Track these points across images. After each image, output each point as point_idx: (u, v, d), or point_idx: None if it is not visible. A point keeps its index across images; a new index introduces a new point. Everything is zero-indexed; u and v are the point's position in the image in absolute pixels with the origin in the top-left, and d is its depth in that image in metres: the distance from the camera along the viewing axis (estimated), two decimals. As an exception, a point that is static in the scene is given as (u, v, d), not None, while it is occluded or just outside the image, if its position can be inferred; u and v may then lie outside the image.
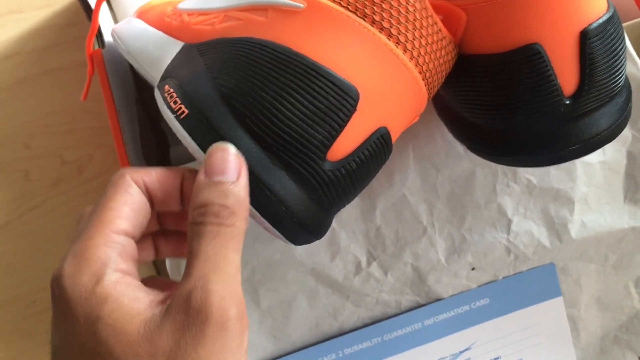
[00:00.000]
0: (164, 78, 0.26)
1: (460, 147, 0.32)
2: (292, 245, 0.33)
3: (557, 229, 0.33)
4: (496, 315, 0.34)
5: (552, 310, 0.35)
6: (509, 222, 0.33)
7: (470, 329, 0.34)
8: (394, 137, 0.25)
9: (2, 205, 0.40)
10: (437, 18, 0.24)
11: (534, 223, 0.33)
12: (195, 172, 0.23)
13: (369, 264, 0.33)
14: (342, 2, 0.24)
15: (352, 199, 0.26)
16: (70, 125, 0.40)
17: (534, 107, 0.25)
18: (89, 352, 0.20)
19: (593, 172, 0.33)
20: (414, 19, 0.23)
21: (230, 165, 0.22)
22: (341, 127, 0.22)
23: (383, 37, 0.23)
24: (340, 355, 0.34)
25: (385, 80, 0.23)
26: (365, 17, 0.23)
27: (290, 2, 0.24)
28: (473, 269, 0.34)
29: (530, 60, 0.24)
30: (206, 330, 0.20)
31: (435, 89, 0.26)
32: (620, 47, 0.25)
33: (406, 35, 0.23)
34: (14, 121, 0.40)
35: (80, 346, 0.20)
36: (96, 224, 0.22)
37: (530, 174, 0.33)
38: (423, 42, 0.23)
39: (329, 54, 0.23)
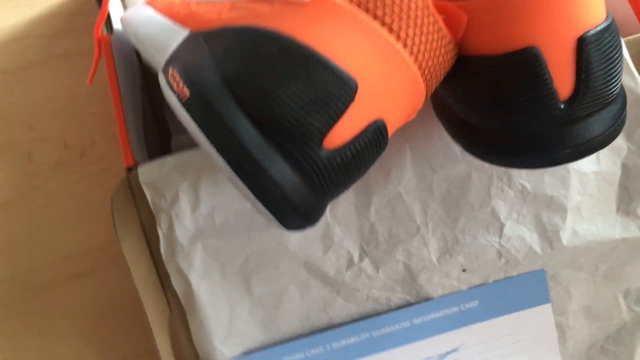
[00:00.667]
0: (169, 62, 0.26)
1: (457, 149, 0.33)
2: (287, 236, 0.33)
3: (548, 235, 0.33)
4: (485, 318, 0.35)
5: (540, 317, 0.35)
6: (502, 226, 0.33)
7: (459, 331, 0.35)
8: (391, 130, 0.25)
9: (3, 184, 0.40)
10: (438, 17, 0.25)
11: (526, 228, 0.34)
12: None
13: (361, 259, 0.33)
14: None
15: (346, 189, 0.26)
16: (75, 110, 0.41)
17: (529, 110, 0.26)
18: None
19: (587, 182, 0.33)
20: (415, 17, 0.24)
21: None
22: (338, 116, 0.23)
23: (384, 31, 0.24)
24: (328, 348, 0.34)
25: (384, 74, 0.24)
26: (368, 11, 0.24)
27: None
28: (464, 270, 0.34)
29: (527, 64, 0.25)
30: None
31: (434, 87, 0.26)
32: (617, 55, 0.26)
33: (407, 31, 0.24)
34: (20, 103, 0.41)
35: None
36: None
37: (524, 180, 0.33)
38: (423, 40, 0.24)
39: (330, 45, 0.23)
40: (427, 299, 0.34)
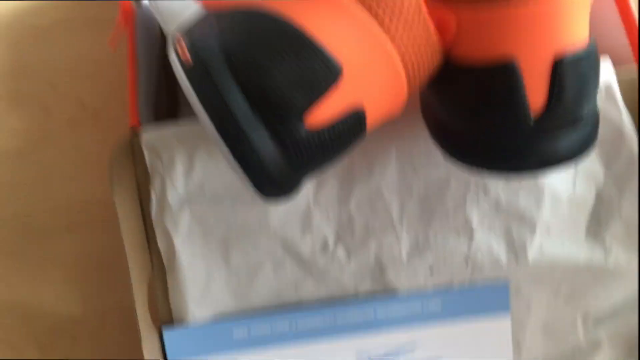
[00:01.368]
0: (181, 32, 0.29)
1: (439, 154, 0.35)
2: (269, 214, 0.35)
3: (515, 249, 0.35)
4: (445, 319, 0.36)
5: (498, 327, 0.36)
6: (472, 233, 0.35)
7: (418, 329, 0.36)
8: (370, 121, 0.27)
9: (18, 133, 0.43)
10: (429, 20, 0.27)
11: (495, 239, 0.35)
12: None
13: (335, 245, 0.35)
14: None
15: (321, 169, 0.28)
16: (96, 73, 0.44)
17: (502, 119, 0.27)
18: None
19: (560, 204, 0.35)
20: (407, 15, 0.26)
21: None
22: (320, 95, 0.25)
23: (375, 24, 0.26)
24: (294, 327, 0.36)
25: (369, 64, 0.26)
26: (363, 3, 0.26)
27: None
28: (431, 271, 0.36)
29: (504, 76, 0.27)
30: None
31: (416, 86, 0.28)
32: (591, 80, 0.27)
33: (397, 27, 0.26)
34: (45, 60, 0.44)
35: None
36: None
37: (500, 191, 0.35)
38: (411, 37, 0.26)
39: (322, 30, 0.26)
40: (393, 293, 0.36)
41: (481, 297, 0.36)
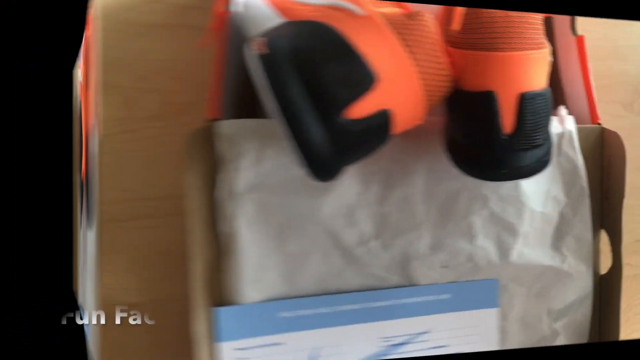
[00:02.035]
0: (261, 34, 0.36)
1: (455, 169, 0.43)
2: (322, 207, 0.40)
3: (504, 251, 0.44)
4: (452, 310, 0.43)
5: (488, 318, 0.44)
6: (474, 237, 0.43)
7: (431, 316, 0.43)
8: (396, 123, 0.36)
9: (102, 120, 0.45)
10: (444, 56, 0.37)
11: (489, 243, 0.44)
12: None
13: (373, 239, 0.41)
14: (388, 17, 0.36)
15: (357, 155, 0.36)
16: (185, 74, 0.47)
17: (483, 136, 0.37)
18: None
19: (535, 218, 0.45)
20: (429, 49, 0.36)
21: None
22: (357, 97, 0.34)
23: (404, 50, 0.35)
24: (334, 310, 0.40)
25: (397, 79, 0.35)
26: (400, 33, 0.35)
27: (358, 9, 0.36)
28: (444, 267, 0.43)
29: (486, 102, 0.37)
30: None
31: (432, 102, 0.37)
32: (544, 113, 0.38)
33: (421, 55, 0.36)
34: (133, 53, 0.46)
35: None
36: None
37: (495, 206, 0.44)
38: (430, 65, 0.36)
39: (366, 46, 0.34)
40: (414, 284, 0.42)
41: (478, 292, 0.44)
